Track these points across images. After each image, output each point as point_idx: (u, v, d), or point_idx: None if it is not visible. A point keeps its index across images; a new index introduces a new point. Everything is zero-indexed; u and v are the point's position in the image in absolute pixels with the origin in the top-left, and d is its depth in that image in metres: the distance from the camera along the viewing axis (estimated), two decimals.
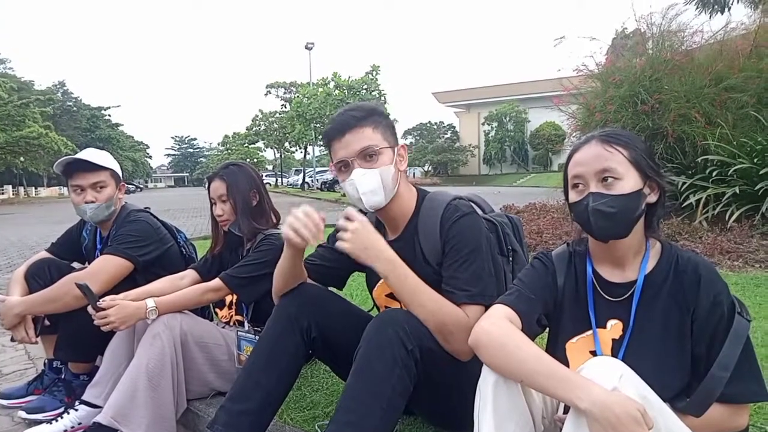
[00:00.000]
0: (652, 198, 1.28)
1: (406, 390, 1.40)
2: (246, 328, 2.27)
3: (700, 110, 5.94)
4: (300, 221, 1.49)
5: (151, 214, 2.54)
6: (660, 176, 1.28)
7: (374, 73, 21.45)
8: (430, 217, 1.63)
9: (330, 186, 30.94)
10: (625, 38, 8.26)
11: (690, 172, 5.98)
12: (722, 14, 8.36)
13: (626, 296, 1.30)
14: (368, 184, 1.58)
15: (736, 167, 5.31)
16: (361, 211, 1.62)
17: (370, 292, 1.87)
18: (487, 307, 1.40)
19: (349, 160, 1.59)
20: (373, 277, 1.82)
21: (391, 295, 1.75)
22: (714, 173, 5.57)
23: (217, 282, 2.17)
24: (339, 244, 1.49)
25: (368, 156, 1.58)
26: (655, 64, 6.58)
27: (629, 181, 1.23)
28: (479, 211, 1.86)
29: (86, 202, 2.34)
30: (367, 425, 1.34)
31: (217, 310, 2.52)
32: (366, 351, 1.40)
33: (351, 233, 1.47)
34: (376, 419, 1.35)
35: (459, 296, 1.51)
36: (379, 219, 1.76)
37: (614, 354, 1.26)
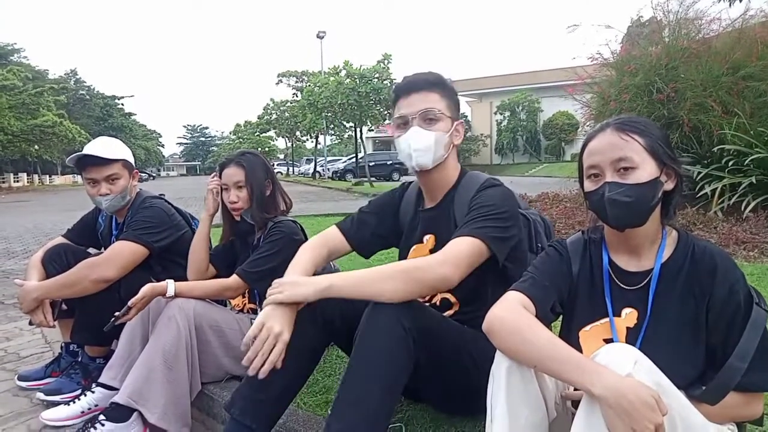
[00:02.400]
0: (669, 185, 1.26)
1: (405, 368, 1.41)
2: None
3: (717, 99, 5.86)
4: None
5: (166, 201, 2.56)
6: (677, 163, 1.26)
7: (386, 61, 21.32)
8: (468, 190, 1.69)
9: (341, 175, 30.97)
10: (640, 26, 8.15)
11: (706, 161, 5.92)
12: (741, 1, 8.20)
13: (642, 285, 1.29)
14: (421, 143, 1.65)
15: (752, 157, 5.25)
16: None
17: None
18: (481, 240, 1.49)
19: (409, 117, 1.67)
20: (405, 246, 1.85)
21: None
22: (730, 163, 5.51)
23: (235, 279, 2.18)
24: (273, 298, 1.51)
25: (428, 119, 1.66)
26: (671, 52, 6.50)
27: (646, 169, 1.22)
28: None
29: (101, 195, 2.37)
30: (368, 403, 1.36)
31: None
32: (364, 332, 1.41)
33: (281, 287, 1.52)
34: (376, 398, 1.36)
35: (457, 232, 1.54)
36: (420, 188, 1.84)
37: (630, 342, 1.25)
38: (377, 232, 1.89)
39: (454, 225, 1.66)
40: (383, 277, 1.44)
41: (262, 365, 1.42)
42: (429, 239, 1.77)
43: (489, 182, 1.68)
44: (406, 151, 1.67)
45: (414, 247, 1.80)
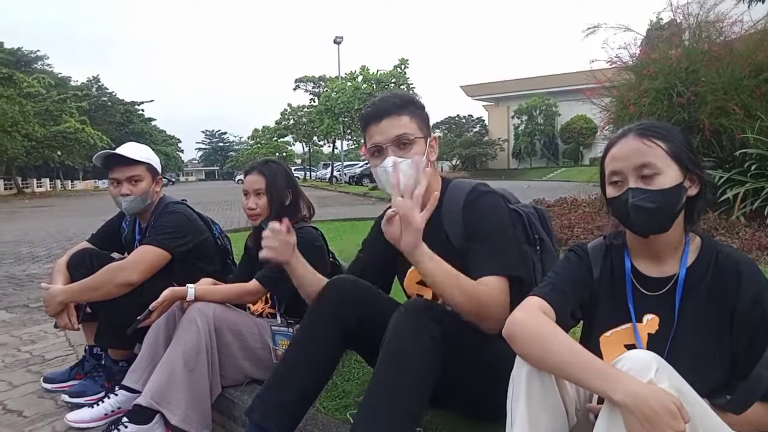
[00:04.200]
0: (693, 191, 1.25)
1: (433, 374, 1.41)
2: (278, 321, 2.31)
3: (739, 102, 5.76)
4: (269, 240, 1.70)
5: (188, 206, 2.60)
6: (700, 168, 1.25)
7: (403, 66, 21.38)
8: (454, 203, 1.67)
9: (358, 180, 31.03)
10: (660, 29, 8.07)
11: (727, 166, 5.82)
12: (763, 3, 8.06)
13: (664, 291, 1.28)
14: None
15: None
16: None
17: (401, 284, 1.88)
18: (510, 278, 1.51)
19: (383, 145, 1.64)
20: (402, 269, 1.84)
21: (422, 282, 1.76)
22: (753, 167, 5.40)
23: (254, 284, 2.21)
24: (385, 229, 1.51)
25: (402, 144, 1.63)
26: (691, 55, 6.41)
27: (669, 175, 1.21)
28: None
29: (122, 195, 2.42)
30: (394, 410, 1.36)
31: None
32: (392, 337, 1.42)
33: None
34: (403, 405, 1.36)
35: (482, 269, 1.53)
36: None
37: (653, 348, 1.24)
38: (378, 264, 1.87)
39: (447, 240, 1.66)
40: None
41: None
42: None
43: (475, 192, 1.66)
44: (387, 182, 1.64)
45: (412, 268, 1.78)
